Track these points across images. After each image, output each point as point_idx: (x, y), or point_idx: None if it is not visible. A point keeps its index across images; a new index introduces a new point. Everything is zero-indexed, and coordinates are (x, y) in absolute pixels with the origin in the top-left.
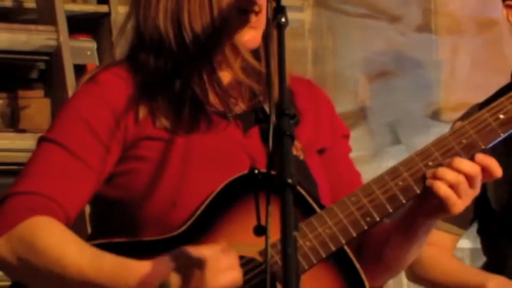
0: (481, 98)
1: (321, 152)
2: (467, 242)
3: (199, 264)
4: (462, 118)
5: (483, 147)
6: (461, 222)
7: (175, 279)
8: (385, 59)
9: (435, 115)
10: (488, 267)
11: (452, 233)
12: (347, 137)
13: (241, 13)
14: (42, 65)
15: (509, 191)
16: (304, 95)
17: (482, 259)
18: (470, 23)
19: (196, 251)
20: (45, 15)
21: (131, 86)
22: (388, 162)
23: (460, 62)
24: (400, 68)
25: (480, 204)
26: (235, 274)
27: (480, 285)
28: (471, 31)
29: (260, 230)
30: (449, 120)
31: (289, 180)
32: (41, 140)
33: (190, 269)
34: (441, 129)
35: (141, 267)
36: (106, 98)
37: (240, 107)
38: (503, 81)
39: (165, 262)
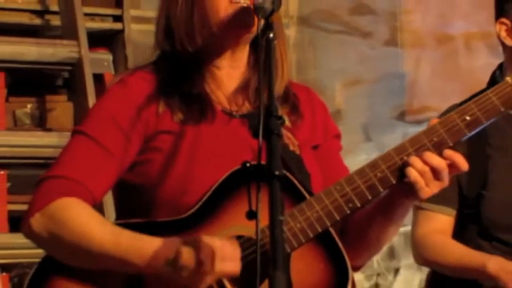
0: (439, 103)
1: (315, 148)
2: None
3: (207, 249)
4: (446, 112)
5: (451, 144)
6: (453, 203)
7: (183, 257)
8: (358, 69)
9: (400, 117)
10: None
11: (449, 214)
12: (338, 136)
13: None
14: (66, 74)
15: (481, 180)
16: (303, 100)
17: None
18: (430, 38)
19: (207, 238)
20: (68, 32)
21: (153, 86)
22: (361, 157)
23: (421, 72)
24: (371, 76)
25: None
26: (236, 265)
27: (482, 265)
28: (431, 45)
29: (251, 215)
30: (413, 121)
31: (277, 172)
32: (73, 132)
33: (197, 251)
34: (405, 129)
35: (154, 243)
36: (130, 96)
37: (247, 107)
38: (459, 88)
39: (176, 242)
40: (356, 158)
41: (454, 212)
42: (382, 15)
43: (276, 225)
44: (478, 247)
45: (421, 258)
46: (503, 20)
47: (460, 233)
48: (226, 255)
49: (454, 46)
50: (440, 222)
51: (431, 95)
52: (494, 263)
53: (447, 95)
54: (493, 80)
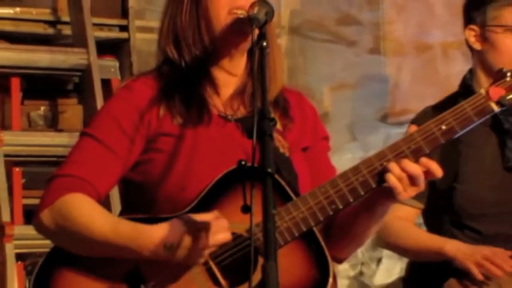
0: (419, 105)
1: (304, 149)
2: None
3: (200, 226)
4: (417, 118)
5: (427, 151)
6: (422, 198)
7: (180, 240)
8: (344, 75)
9: (383, 119)
10: None
11: (415, 207)
12: (326, 138)
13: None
14: (76, 79)
15: (453, 174)
16: (294, 104)
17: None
18: (410, 46)
19: (197, 216)
20: (78, 40)
21: (155, 91)
22: (347, 156)
23: (402, 77)
24: (356, 82)
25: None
26: (227, 234)
27: (440, 247)
28: (411, 53)
29: (246, 208)
30: (395, 123)
31: (269, 170)
32: (81, 134)
33: (192, 230)
34: (388, 130)
35: (151, 229)
36: (133, 101)
37: (242, 111)
38: (437, 92)
39: (172, 226)
40: (342, 156)
41: (420, 206)
42: (367, 25)
43: (269, 218)
44: (451, 236)
45: (383, 242)
46: (472, 26)
47: (434, 224)
48: (217, 229)
49: (432, 54)
50: (405, 212)
51: (412, 98)
52: (451, 245)
53: (426, 98)
54: (464, 83)
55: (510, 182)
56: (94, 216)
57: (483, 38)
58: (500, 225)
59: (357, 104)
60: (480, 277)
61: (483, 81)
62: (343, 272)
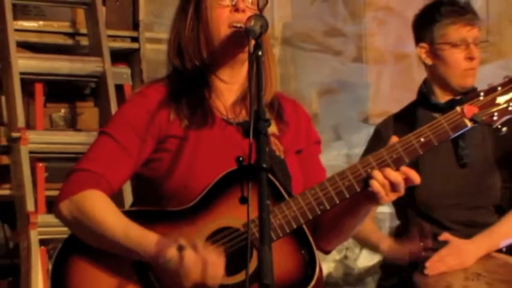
0: (397, 108)
1: (298, 152)
2: (388, 208)
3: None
4: (384, 123)
5: (407, 161)
6: None
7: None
8: (331, 81)
9: (365, 120)
10: (399, 228)
11: None
12: (318, 142)
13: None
14: (92, 84)
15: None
16: (289, 110)
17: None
18: (390, 56)
19: (202, 249)
20: (94, 50)
21: (165, 96)
22: (333, 153)
23: (383, 84)
24: (341, 87)
25: None
26: (220, 271)
27: (377, 244)
28: (391, 61)
29: (243, 200)
30: (376, 123)
31: (264, 165)
32: (99, 133)
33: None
34: (369, 130)
35: (156, 241)
36: (146, 105)
37: (243, 116)
38: (413, 96)
39: (172, 244)
40: (329, 153)
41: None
42: (350, 37)
43: (264, 209)
44: (417, 224)
45: None
46: (422, 44)
47: (403, 214)
48: (212, 274)
49: (409, 62)
50: None
51: (391, 102)
52: (384, 244)
53: (403, 102)
54: (421, 93)
55: (463, 177)
56: (108, 215)
57: (433, 54)
58: (458, 214)
59: (341, 106)
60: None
61: (437, 91)
62: (329, 256)
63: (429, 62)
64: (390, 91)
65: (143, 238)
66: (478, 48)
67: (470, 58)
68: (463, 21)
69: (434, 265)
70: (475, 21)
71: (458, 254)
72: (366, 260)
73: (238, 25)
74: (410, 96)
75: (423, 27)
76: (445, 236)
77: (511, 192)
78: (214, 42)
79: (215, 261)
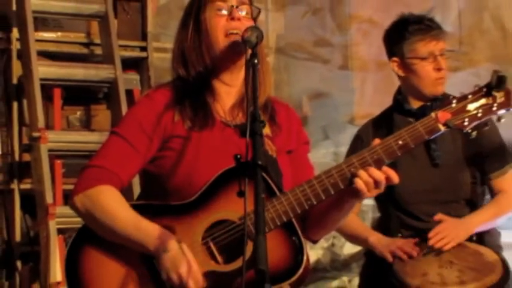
0: (379, 111)
1: (289, 152)
2: (371, 201)
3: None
4: (363, 128)
5: (387, 161)
6: None
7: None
8: (320, 86)
9: (351, 121)
10: (381, 221)
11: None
12: (307, 143)
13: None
14: (105, 89)
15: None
16: (282, 114)
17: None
18: (373, 64)
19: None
20: (107, 58)
21: (171, 99)
22: (322, 151)
23: (366, 89)
24: (329, 92)
25: None
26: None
27: (365, 238)
28: (373, 69)
29: (241, 193)
30: (360, 124)
31: (259, 162)
32: (111, 132)
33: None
34: (354, 130)
35: (162, 236)
36: (153, 107)
37: (241, 118)
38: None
39: (171, 242)
40: (318, 151)
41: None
42: (337, 47)
43: (259, 201)
44: (398, 218)
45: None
46: (394, 58)
47: (384, 209)
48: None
49: (390, 70)
50: None
51: (374, 105)
52: (373, 238)
53: (385, 105)
54: (396, 100)
55: (436, 175)
56: (119, 210)
57: (404, 67)
58: (433, 208)
59: (329, 109)
60: (391, 260)
61: (410, 99)
62: (318, 244)
63: (401, 73)
64: (373, 96)
65: (153, 231)
66: (445, 59)
67: (439, 69)
68: (430, 37)
69: (436, 237)
70: (440, 35)
71: (455, 228)
72: (351, 247)
73: (235, 31)
74: (391, 100)
75: (394, 43)
76: (439, 216)
77: (483, 188)
78: (214, 49)
79: (196, 267)
